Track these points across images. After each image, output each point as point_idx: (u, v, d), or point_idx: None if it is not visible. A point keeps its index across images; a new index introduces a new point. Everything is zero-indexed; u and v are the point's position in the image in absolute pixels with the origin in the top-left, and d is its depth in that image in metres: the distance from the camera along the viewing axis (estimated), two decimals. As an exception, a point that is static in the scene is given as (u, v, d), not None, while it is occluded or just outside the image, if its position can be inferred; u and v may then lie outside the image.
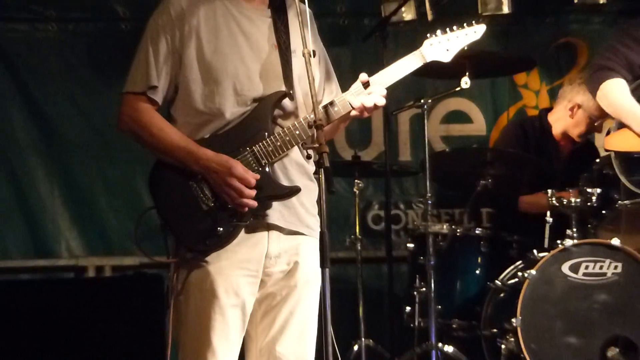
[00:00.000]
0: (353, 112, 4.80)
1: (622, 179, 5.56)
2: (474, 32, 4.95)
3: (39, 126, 8.11)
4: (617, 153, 5.35)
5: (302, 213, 4.86)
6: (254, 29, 4.85)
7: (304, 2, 4.63)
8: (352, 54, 7.28)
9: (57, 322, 5.97)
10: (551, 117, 7.73)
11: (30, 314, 6.00)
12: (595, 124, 7.56)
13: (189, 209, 4.77)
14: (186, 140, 4.76)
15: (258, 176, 4.69)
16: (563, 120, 7.64)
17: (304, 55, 4.55)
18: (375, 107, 4.77)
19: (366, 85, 4.76)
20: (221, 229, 4.73)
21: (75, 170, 8.15)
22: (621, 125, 5.43)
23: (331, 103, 4.75)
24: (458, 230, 7.23)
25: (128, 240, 7.56)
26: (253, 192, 4.69)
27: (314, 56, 4.58)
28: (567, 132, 7.64)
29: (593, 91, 5.39)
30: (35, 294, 6.30)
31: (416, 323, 7.07)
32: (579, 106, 7.39)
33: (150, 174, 4.88)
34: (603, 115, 7.18)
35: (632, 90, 5.58)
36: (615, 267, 6.56)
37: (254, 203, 4.70)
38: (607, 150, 5.92)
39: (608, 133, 6.11)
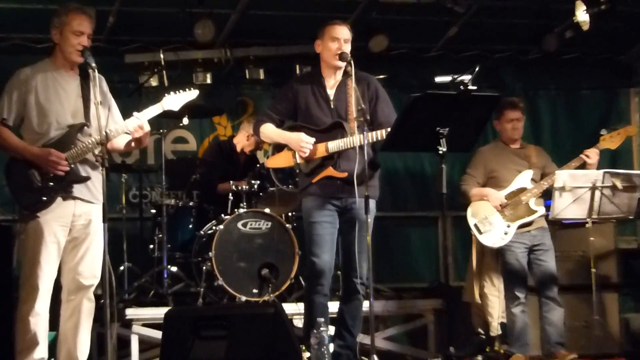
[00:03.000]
0: (132, 136, 4.90)
1: (274, 178, 5.82)
2: (191, 94, 5.15)
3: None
4: (272, 168, 5.68)
5: (94, 191, 4.90)
6: (69, 87, 4.88)
7: (96, 72, 4.70)
8: (123, 103, 7.13)
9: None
10: (235, 140, 7.79)
11: None
12: (260, 145, 7.71)
13: (26, 185, 4.75)
14: (22, 143, 4.78)
15: (65, 155, 4.72)
16: (242, 142, 7.71)
17: (95, 103, 4.66)
18: (140, 129, 4.89)
19: (135, 119, 4.88)
20: (44, 198, 4.73)
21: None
22: (273, 153, 5.65)
23: (109, 130, 4.81)
24: (180, 203, 7.22)
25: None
26: (65, 163, 4.72)
27: (101, 104, 4.69)
28: (244, 149, 7.72)
29: (257, 133, 5.62)
30: None
31: (156, 254, 7.04)
32: (252, 135, 7.41)
33: (6, 164, 4.86)
34: (263, 141, 7.36)
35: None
36: (267, 224, 6.72)
37: (67, 168, 4.72)
38: (267, 166, 6.14)
39: (267, 156, 6.25)
